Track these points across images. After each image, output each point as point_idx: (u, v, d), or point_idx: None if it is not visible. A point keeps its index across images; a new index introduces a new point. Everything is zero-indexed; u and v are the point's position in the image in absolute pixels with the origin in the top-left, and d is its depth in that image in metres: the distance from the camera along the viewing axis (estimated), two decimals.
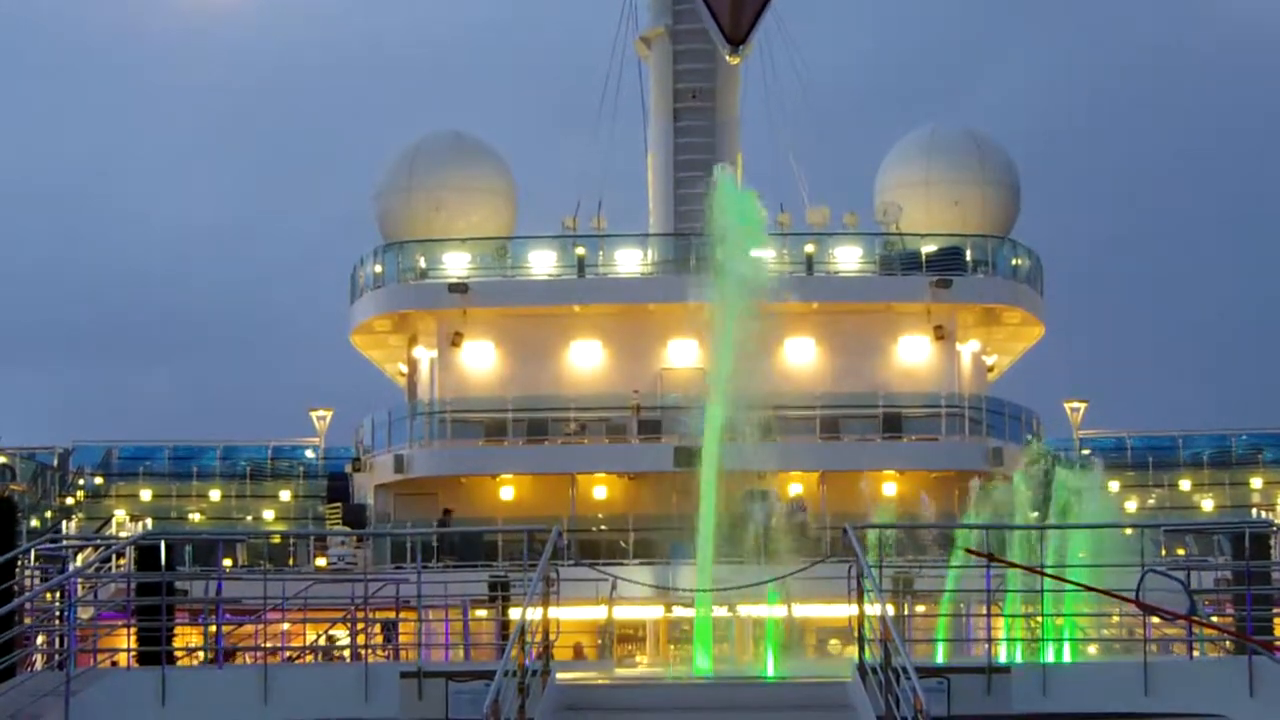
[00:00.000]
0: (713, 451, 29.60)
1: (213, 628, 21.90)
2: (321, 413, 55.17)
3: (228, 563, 41.98)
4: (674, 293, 46.89)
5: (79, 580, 22.25)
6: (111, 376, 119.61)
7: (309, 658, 25.31)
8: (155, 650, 20.46)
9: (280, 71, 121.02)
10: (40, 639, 21.86)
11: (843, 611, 20.12)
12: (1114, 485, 51.02)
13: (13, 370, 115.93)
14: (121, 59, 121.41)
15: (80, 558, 27.38)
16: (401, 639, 27.37)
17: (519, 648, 17.65)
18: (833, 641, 38.30)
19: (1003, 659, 21.51)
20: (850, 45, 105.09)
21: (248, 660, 22.57)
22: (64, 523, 49.13)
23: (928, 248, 48.06)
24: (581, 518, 44.86)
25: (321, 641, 27.02)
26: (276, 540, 45.97)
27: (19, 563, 21.76)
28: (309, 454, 54.50)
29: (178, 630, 25.07)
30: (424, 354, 49.34)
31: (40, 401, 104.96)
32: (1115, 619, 27.55)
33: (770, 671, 29.86)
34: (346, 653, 24.42)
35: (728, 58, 48.89)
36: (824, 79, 52.13)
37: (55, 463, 52.49)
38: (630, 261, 48.61)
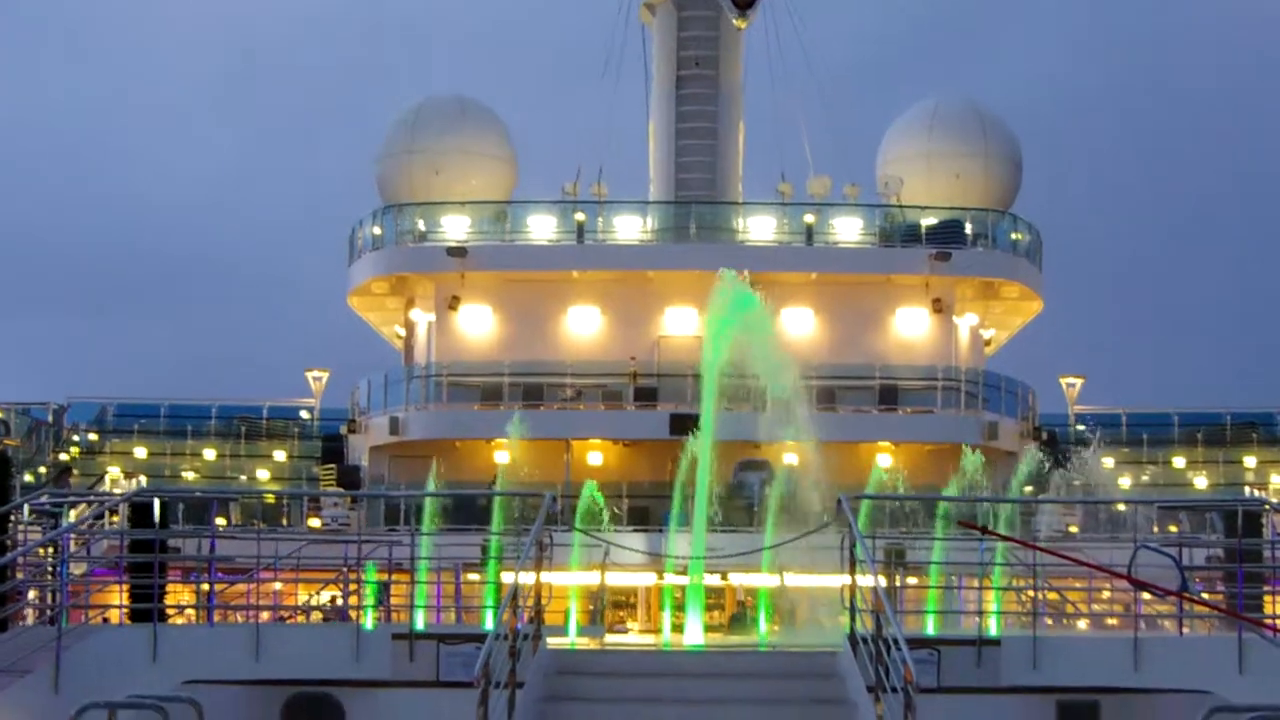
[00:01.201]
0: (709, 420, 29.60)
1: (205, 586, 21.91)
2: (318, 374, 55.14)
3: (221, 522, 41.97)
4: (673, 260, 47.01)
5: (72, 536, 22.27)
6: (107, 333, 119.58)
7: (301, 618, 25.32)
8: (147, 607, 20.46)
9: (283, 30, 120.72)
10: (32, 594, 21.87)
11: (835, 581, 20.13)
12: (1109, 461, 51.07)
13: (9, 324, 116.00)
14: (125, 9, 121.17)
15: (74, 514, 27.40)
16: (393, 601, 27.39)
17: (511, 612, 17.66)
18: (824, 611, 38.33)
19: (994, 632, 21.55)
20: (855, 15, 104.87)
21: (239, 619, 22.56)
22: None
23: (928, 220, 48.02)
24: (576, 484, 44.87)
25: (315, 602, 27.01)
26: (270, 500, 45.98)
27: (12, 517, 21.77)
28: (304, 415, 54.48)
29: (169, 588, 25.07)
30: (421, 317, 49.30)
31: (35, 357, 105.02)
32: (1106, 594, 27.62)
33: (760, 638, 29.90)
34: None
35: (735, 22, 48.85)
36: (828, 49, 51.99)
37: (50, 418, 52.48)
38: (630, 228, 48.56)
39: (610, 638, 29.39)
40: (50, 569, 21.40)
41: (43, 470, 49.04)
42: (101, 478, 48.01)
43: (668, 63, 50.83)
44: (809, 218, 47.85)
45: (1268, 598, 22.98)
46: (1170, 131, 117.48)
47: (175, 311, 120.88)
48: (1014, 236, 48.65)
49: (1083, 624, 27.26)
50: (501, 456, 46.53)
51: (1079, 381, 54.53)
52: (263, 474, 51.34)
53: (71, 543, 22.11)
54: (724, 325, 28.59)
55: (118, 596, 22.19)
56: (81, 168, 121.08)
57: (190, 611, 25.14)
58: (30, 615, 22.58)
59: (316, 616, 27.17)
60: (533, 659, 18.95)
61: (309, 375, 55.36)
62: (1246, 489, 47.82)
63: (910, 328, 47.58)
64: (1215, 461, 51.11)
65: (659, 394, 45.66)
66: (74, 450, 52.07)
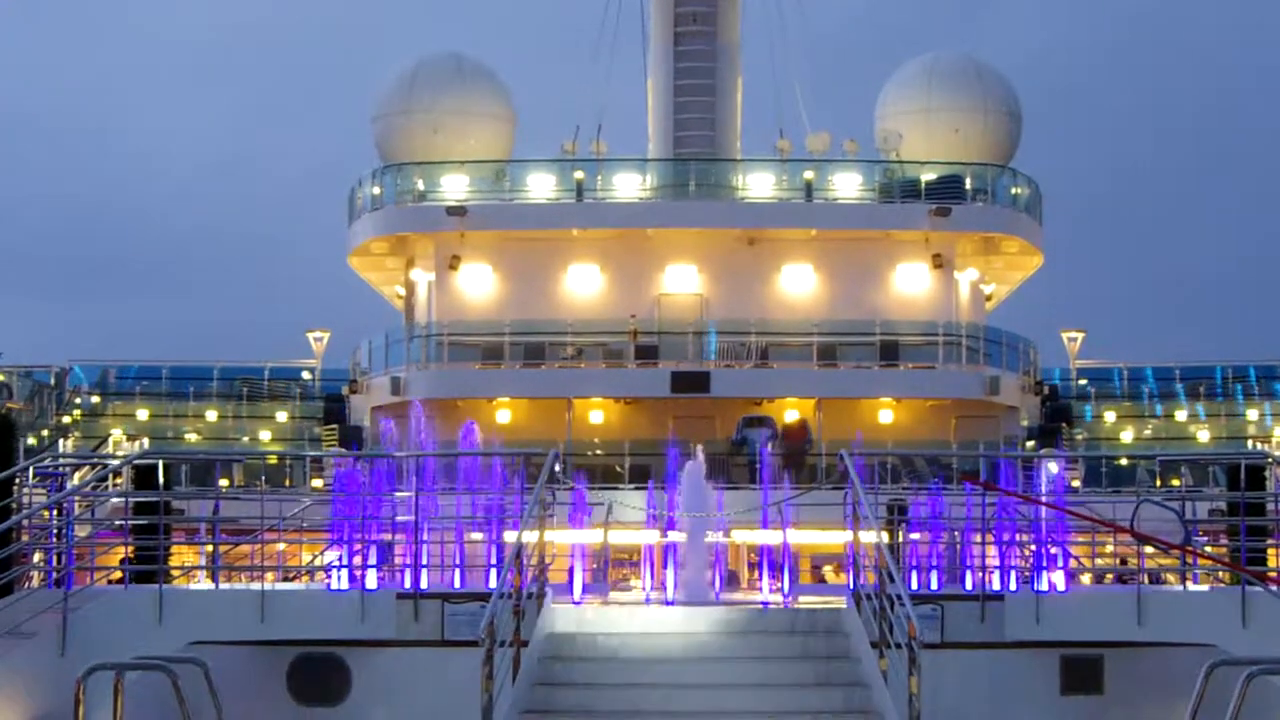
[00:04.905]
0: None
1: (209, 547, 21.95)
2: (318, 334, 55.11)
3: (224, 483, 42.05)
4: (672, 218, 46.95)
5: (76, 498, 22.29)
6: (111, 298, 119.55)
7: (305, 578, 25.38)
8: (152, 569, 20.52)
9: None
10: (38, 556, 21.91)
11: (839, 538, 20.19)
12: (1110, 416, 51.09)
13: (12, 297, 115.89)
14: None
15: (78, 476, 27.43)
16: (397, 561, 27.41)
17: (515, 570, 17.70)
18: (827, 568, 38.45)
19: (997, 587, 21.59)
20: None
21: (244, 580, 22.62)
22: (60, 441, 49.16)
23: (927, 176, 47.90)
24: (578, 442, 44.91)
25: (319, 562, 27.07)
26: (273, 461, 46.00)
27: (16, 480, 21.79)
28: (306, 375, 54.46)
29: (174, 549, 25.10)
30: (421, 276, 49.26)
31: (39, 328, 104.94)
32: (1110, 549, 27.68)
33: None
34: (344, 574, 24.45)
35: None
36: (826, 4, 51.75)
37: (52, 381, 52.44)
38: (629, 186, 48.47)
39: (614, 595, 29.41)
40: (56, 531, 21.44)
41: (46, 433, 49.09)
42: (104, 440, 48.03)
43: (665, 19, 50.67)
44: (808, 174, 47.76)
45: (1271, 551, 23.03)
46: (1172, 85, 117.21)
47: (176, 275, 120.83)
48: (1014, 191, 48.54)
49: (1086, 579, 27.32)
50: (503, 415, 46.59)
51: (1080, 336, 54.48)
52: (265, 435, 51.33)
53: (76, 505, 22.12)
54: None
55: (123, 558, 22.24)
56: (81, 137, 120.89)
57: (195, 573, 25.19)
58: (36, 578, 22.63)
59: (320, 577, 27.23)
60: (537, 618, 19.00)
61: (310, 336, 55.34)
62: (1249, 442, 47.79)
63: (910, 283, 47.52)
64: (1218, 415, 51.05)
65: (660, 352, 45.64)
66: (76, 413, 52.06)
